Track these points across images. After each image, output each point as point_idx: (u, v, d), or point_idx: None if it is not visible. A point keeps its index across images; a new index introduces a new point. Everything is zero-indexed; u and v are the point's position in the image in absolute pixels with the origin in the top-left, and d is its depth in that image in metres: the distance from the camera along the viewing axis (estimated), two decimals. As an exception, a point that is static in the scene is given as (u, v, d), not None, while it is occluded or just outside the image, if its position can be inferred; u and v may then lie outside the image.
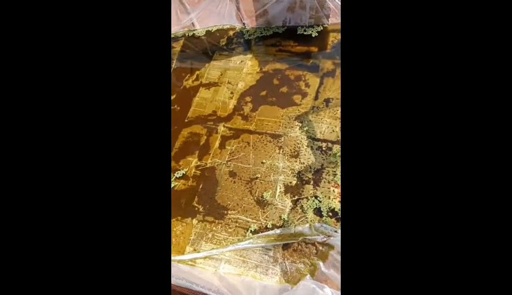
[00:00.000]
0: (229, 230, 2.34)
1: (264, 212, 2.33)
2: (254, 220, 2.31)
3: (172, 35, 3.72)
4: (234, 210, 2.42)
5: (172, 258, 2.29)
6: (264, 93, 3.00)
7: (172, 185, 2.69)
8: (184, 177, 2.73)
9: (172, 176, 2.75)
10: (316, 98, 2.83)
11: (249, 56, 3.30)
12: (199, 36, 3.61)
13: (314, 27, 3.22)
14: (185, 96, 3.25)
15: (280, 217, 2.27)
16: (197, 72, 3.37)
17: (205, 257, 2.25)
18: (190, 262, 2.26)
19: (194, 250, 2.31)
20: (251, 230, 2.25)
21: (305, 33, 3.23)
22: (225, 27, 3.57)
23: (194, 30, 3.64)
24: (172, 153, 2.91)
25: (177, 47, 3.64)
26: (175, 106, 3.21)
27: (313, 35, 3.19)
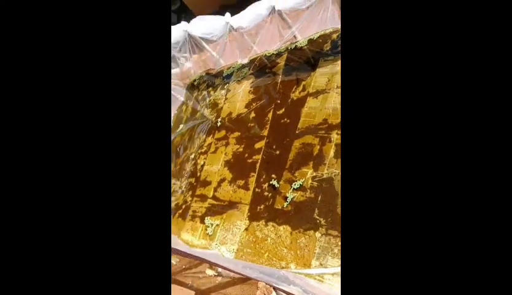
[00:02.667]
0: (358, 247, 2.15)
1: (400, 229, 2.03)
2: (389, 238, 2.04)
3: (275, 52, 3.90)
4: (361, 225, 2.22)
5: (299, 271, 2.29)
6: (381, 92, 2.69)
7: (291, 196, 2.74)
8: (301, 188, 2.74)
9: (289, 187, 2.81)
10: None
11: (358, 55, 3.05)
12: (302, 47, 3.63)
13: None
14: (293, 108, 3.30)
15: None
16: (303, 82, 3.38)
17: (333, 274, 2.14)
18: (317, 277, 2.20)
19: (321, 265, 2.24)
20: (386, 250, 1.99)
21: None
22: (328, 31, 3.45)
23: (296, 42, 3.70)
24: (287, 165, 2.98)
25: (281, 61, 3.78)
26: (285, 119, 3.30)
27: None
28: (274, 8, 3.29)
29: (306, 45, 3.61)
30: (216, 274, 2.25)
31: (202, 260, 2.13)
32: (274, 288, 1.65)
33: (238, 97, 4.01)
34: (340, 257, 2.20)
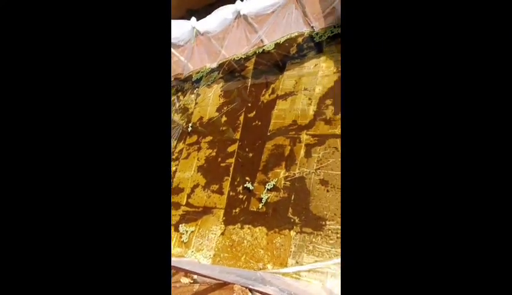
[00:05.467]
0: (331, 241, 2.24)
1: (367, 221, 2.15)
2: (358, 231, 2.15)
3: (243, 56, 3.94)
4: (332, 220, 2.31)
5: (277, 270, 2.32)
6: (345, 93, 2.83)
7: (266, 197, 2.78)
8: (275, 188, 2.78)
9: (263, 188, 2.84)
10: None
11: (322, 58, 3.19)
12: (269, 50, 3.71)
13: (393, 10, 2.89)
14: (264, 111, 3.35)
15: (389, 226, 2.04)
16: (272, 85, 3.45)
17: (309, 270, 2.20)
18: (294, 275, 2.25)
19: (297, 262, 2.29)
20: (356, 242, 2.10)
21: (383, 19, 2.93)
22: (293, 35, 3.57)
23: (263, 46, 3.77)
24: (260, 167, 3.01)
25: (249, 65, 3.83)
26: (257, 122, 3.34)
27: (394, 19, 2.86)
28: (240, 12, 3.33)
29: (273, 49, 3.69)
30: (192, 281, 2.20)
31: (177, 270, 2.08)
32: (250, 290, 1.66)
33: (209, 101, 3.98)
34: (315, 254, 2.27)
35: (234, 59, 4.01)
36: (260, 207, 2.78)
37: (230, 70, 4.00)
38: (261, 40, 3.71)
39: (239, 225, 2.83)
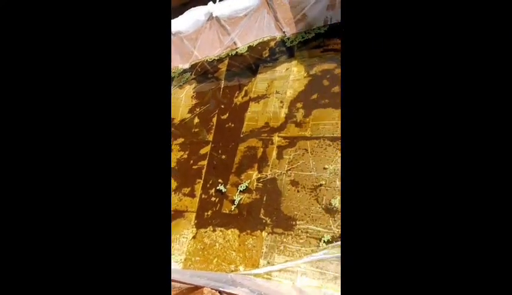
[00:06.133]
0: (301, 241, 2.30)
1: (335, 220, 2.24)
2: (326, 230, 2.23)
3: (216, 57, 3.93)
4: (302, 220, 2.38)
5: (248, 272, 2.33)
6: (315, 96, 2.94)
7: (238, 198, 2.78)
8: (247, 190, 2.80)
9: (236, 190, 2.84)
10: (373, 92, 2.65)
11: (294, 62, 3.28)
12: (242, 53, 3.74)
13: (358, 20, 3.06)
14: (237, 113, 3.36)
15: (354, 223, 2.14)
16: (245, 88, 3.47)
17: (280, 270, 2.24)
18: (265, 276, 2.27)
19: (268, 263, 2.32)
20: (324, 240, 2.18)
21: (349, 27, 3.09)
22: (266, 39, 3.63)
23: (236, 48, 3.79)
24: (233, 169, 3.02)
25: (222, 67, 3.82)
26: (230, 124, 3.34)
27: (359, 28, 3.02)
28: (212, 14, 3.32)
29: (246, 52, 3.72)
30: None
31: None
32: (220, 292, 1.66)
33: (181, 102, 3.90)
34: (286, 253, 2.31)
35: (206, 60, 3.98)
36: (233, 209, 2.78)
37: (203, 72, 3.96)
38: (234, 43, 3.72)
39: (211, 228, 2.80)
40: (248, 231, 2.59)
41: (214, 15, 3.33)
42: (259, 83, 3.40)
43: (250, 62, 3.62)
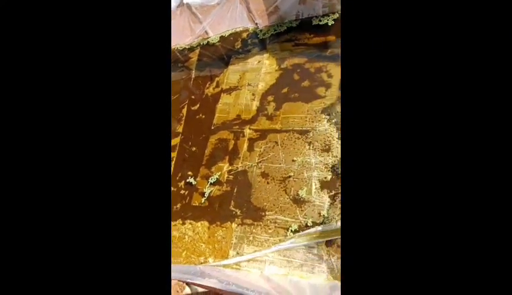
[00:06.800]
0: (269, 231, 2.36)
1: (302, 210, 2.32)
2: (293, 219, 2.31)
3: (187, 46, 3.80)
4: (271, 211, 2.43)
5: (218, 263, 2.35)
6: (285, 90, 2.98)
7: (208, 191, 2.76)
8: (218, 182, 2.79)
9: (206, 182, 2.82)
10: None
11: (266, 55, 3.28)
12: (214, 43, 3.65)
13: (329, 16, 3.14)
14: (208, 104, 3.30)
15: (320, 213, 2.24)
16: (216, 79, 3.42)
17: (249, 260, 2.29)
18: (235, 266, 2.30)
19: (238, 253, 2.36)
20: (291, 230, 2.25)
21: (320, 23, 3.15)
22: (238, 30, 3.58)
23: (208, 38, 3.69)
24: (204, 161, 2.98)
25: (193, 56, 3.71)
26: (201, 115, 3.28)
27: (329, 24, 3.10)
28: (183, 0, 3.19)
29: (218, 42, 3.64)
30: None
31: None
32: (188, 284, 1.65)
33: (149, 92, 3.73)
34: (255, 243, 2.36)
35: (177, 48, 3.83)
36: (203, 202, 2.76)
37: (173, 60, 3.81)
38: (206, 32, 3.63)
39: (180, 221, 2.76)
40: (218, 223, 2.60)
41: (185, 1, 3.21)
42: (231, 74, 3.36)
43: (222, 53, 3.56)
